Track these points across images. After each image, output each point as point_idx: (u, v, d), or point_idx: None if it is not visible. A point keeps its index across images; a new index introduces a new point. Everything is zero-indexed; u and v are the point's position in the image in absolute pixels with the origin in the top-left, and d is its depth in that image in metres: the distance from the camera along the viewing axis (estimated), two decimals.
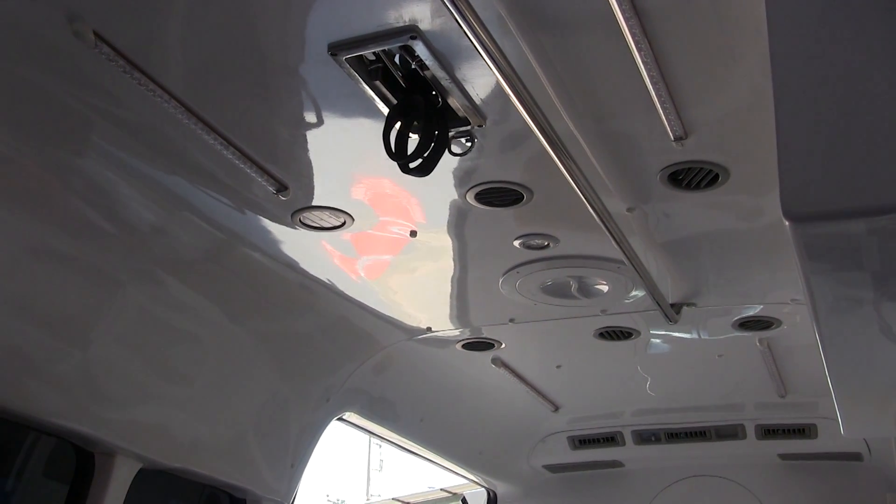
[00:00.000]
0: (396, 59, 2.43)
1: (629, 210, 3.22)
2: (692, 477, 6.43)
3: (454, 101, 2.56)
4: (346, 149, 2.85)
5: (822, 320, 1.96)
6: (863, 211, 1.51)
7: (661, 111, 2.55)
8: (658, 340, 4.70)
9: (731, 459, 6.23)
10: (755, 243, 3.51)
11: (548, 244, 3.51)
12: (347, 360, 4.52)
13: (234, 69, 2.46)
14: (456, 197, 3.14)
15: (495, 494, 6.87)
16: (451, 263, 3.74)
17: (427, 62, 2.39)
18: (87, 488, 3.25)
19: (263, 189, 3.03)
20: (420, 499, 17.99)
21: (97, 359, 3.17)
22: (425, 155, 2.59)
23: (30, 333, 2.92)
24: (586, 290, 3.96)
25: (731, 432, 6.03)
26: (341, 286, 3.93)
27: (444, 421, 5.68)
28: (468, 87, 2.51)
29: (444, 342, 4.66)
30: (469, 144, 2.75)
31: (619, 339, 4.58)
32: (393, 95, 2.52)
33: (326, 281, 3.87)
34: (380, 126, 2.59)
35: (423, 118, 2.56)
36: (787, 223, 1.55)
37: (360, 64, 2.40)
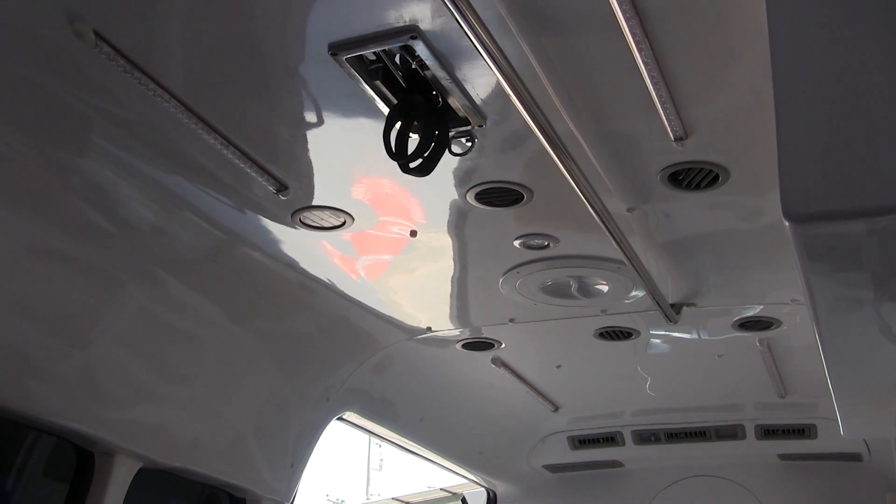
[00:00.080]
0: (397, 59, 2.43)
1: (629, 210, 3.22)
2: (692, 477, 6.43)
3: (454, 101, 2.56)
4: (347, 148, 2.85)
5: (822, 320, 1.96)
6: (863, 211, 1.51)
7: (661, 111, 2.55)
8: (658, 340, 4.70)
9: (730, 459, 6.23)
10: (755, 243, 3.51)
11: (548, 244, 3.51)
12: (347, 359, 4.52)
13: (235, 69, 2.46)
14: (456, 197, 3.14)
15: (495, 494, 6.87)
16: (451, 263, 3.74)
17: (427, 62, 2.39)
18: (86, 488, 3.25)
19: (263, 189, 3.03)
20: (420, 498, 18.00)
21: (97, 359, 3.17)
22: (425, 155, 2.58)
23: (30, 333, 2.92)
24: (586, 290, 3.96)
25: (730, 432, 6.03)
26: (341, 286, 3.93)
27: (444, 421, 5.68)
28: (468, 87, 2.51)
29: (444, 342, 4.66)
30: (469, 144, 2.75)
31: (619, 339, 4.58)
32: (393, 95, 2.52)
33: (326, 281, 3.87)
34: (380, 126, 2.59)
35: (423, 118, 2.56)
36: (787, 223, 1.55)
37: (360, 64, 2.40)
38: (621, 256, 3.46)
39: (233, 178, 2.99)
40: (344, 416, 4.90)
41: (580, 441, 6.35)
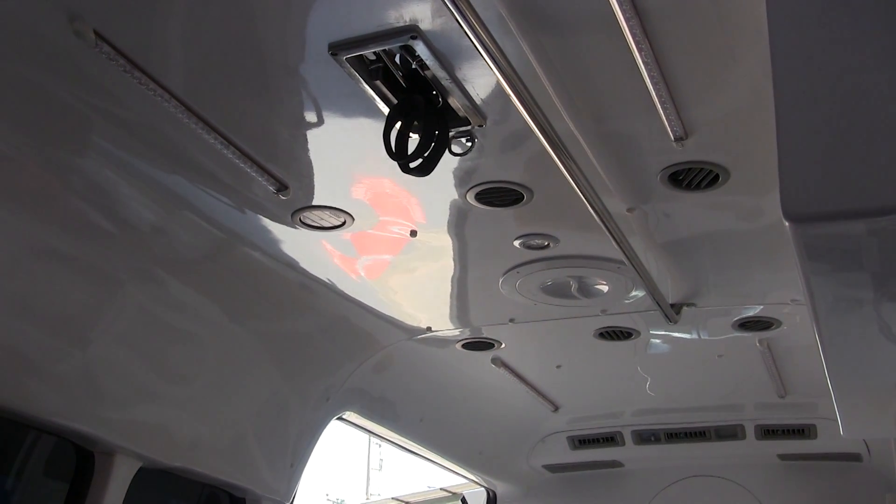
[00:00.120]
0: (397, 59, 2.43)
1: (629, 210, 3.22)
2: (692, 477, 6.43)
3: (454, 101, 2.56)
4: (347, 148, 2.85)
5: (822, 320, 1.96)
6: (863, 212, 1.51)
7: (661, 111, 2.55)
8: (658, 340, 4.70)
9: (730, 459, 6.23)
10: (755, 243, 3.51)
11: (548, 244, 3.51)
12: (347, 359, 4.52)
13: (235, 69, 2.46)
14: (456, 197, 3.14)
15: (495, 494, 6.88)
16: (451, 263, 3.74)
17: (427, 62, 2.39)
18: (86, 487, 3.25)
19: (263, 189, 3.03)
20: (420, 498, 18.01)
21: (97, 358, 3.17)
22: (425, 155, 2.58)
23: (30, 333, 2.92)
24: (586, 290, 3.96)
25: (730, 432, 6.03)
26: (341, 286, 3.93)
27: (444, 421, 5.68)
28: (468, 87, 2.51)
29: (443, 342, 4.66)
30: (469, 144, 2.75)
31: (619, 339, 4.58)
32: (393, 95, 2.52)
33: (326, 281, 3.87)
34: (380, 126, 2.59)
35: (423, 118, 2.56)
36: (786, 223, 1.55)
37: (360, 64, 2.40)
38: (621, 256, 3.46)
39: (233, 178, 2.99)
40: (344, 416, 4.90)
41: (580, 441, 6.35)
